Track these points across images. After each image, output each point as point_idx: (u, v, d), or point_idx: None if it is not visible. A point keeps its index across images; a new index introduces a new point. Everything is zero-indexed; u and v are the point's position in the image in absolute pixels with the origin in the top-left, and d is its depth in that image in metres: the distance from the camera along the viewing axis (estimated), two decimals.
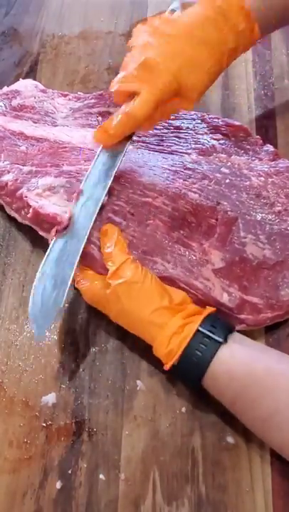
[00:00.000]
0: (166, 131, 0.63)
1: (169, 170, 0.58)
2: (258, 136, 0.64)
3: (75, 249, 0.52)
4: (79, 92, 0.70)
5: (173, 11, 0.64)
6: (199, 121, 0.64)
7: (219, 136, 0.63)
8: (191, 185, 0.57)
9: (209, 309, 0.51)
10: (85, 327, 0.57)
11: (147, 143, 0.63)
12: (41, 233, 0.58)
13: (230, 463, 0.50)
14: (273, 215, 0.57)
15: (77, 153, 0.60)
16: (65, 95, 0.68)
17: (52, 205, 0.56)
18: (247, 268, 0.54)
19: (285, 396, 0.45)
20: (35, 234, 0.59)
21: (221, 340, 0.48)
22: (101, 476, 0.50)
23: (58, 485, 0.50)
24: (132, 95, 0.53)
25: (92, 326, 0.57)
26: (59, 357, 0.55)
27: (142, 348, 0.53)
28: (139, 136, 0.63)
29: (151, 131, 0.63)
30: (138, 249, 0.54)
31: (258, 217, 0.57)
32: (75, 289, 0.55)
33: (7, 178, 0.59)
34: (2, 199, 0.60)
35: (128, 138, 0.55)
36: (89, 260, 0.54)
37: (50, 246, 0.53)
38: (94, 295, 0.53)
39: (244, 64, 0.72)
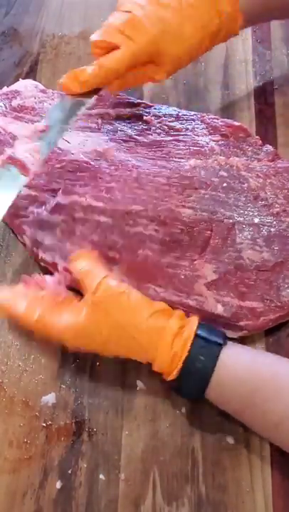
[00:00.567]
0: (164, 135, 0.63)
1: (164, 185, 0.57)
2: (257, 137, 0.63)
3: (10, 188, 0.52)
4: None
5: None
6: (199, 122, 0.64)
7: (218, 137, 0.63)
8: (186, 199, 0.56)
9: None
10: None
11: (146, 150, 0.62)
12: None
13: (230, 463, 0.50)
14: (271, 217, 0.57)
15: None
16: None
17: None
18: (244, 274, 0.54)
19: None
20: None
21: (221, 342, 0.47)
22: (101, 476, 0.50)
23: (58, 485, 0.50)
24: (110, 50, 0.52)
25: None
26: (59, 357, 0.55)
27: None
28: (138, 142, 0.62)
29: (150, 137, 0.62)
30: (130, 278, 0.54)
31: (256, 221, 0.56)
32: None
33: None
34: None
35: (95, 91, 0.54)
36: None
37: None
38: (77, 331, 0.48)
39: (244, 64, 0.72)
